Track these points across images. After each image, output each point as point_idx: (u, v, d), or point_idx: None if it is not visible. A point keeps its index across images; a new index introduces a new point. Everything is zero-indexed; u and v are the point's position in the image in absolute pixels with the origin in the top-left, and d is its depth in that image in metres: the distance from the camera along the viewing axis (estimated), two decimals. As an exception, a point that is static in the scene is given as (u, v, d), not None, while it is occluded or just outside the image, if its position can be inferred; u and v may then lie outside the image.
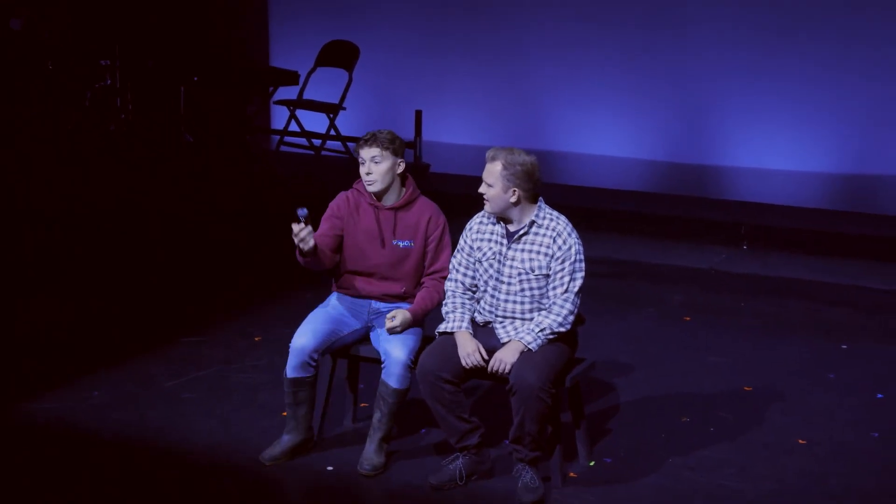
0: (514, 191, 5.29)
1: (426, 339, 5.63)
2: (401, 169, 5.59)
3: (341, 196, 5.69)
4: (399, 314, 5.51)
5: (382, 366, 5.51)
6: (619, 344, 7.26)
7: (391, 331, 5.49)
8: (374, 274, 5.63)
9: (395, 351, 5.46)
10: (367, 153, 5.54)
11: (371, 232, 5.60)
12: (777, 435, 6.00)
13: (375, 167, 5.53)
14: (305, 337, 5.55)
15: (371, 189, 5.56)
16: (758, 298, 8.23)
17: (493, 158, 5.33)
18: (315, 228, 5.48)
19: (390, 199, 5.60)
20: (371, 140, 5.55)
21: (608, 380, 6.64)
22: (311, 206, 5.57)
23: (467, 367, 5.29)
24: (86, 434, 5.93)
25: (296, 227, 5.38)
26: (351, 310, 5.68)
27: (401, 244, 5.59)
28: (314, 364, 5.56)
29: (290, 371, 5.57)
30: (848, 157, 10.96)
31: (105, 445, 5.83)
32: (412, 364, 5.46)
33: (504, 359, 5.24)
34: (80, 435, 5.92)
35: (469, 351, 5.29)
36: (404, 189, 5.62)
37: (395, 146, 5.56)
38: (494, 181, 5.30)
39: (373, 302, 5.67)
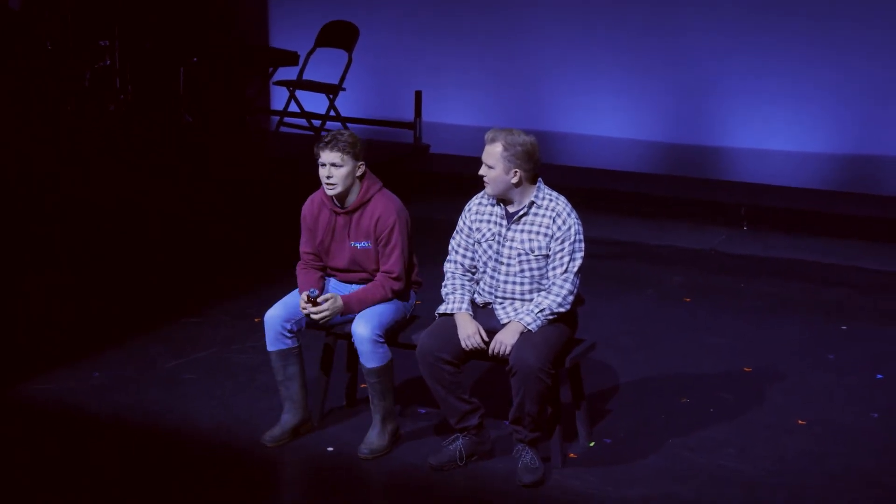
0: (516, 171, 5.28)
1: (417, 319, 5.65)
2: (360, 172, 5.50)
3: (307, 203, 5.66)
4: (329, 302, 5.47)
5: (355, 346, 5.52)
6: (619, 325, 7.26)
7: (317, 319, 5.47)
8: (343, 270, 5.65)
9: (359, 329, 5.45)
10: (327, 157, 5.44)
11: (330, 235, 5.59)
12: (777, 415, 6.01)
13: (336, 171, 5.43)
14: (276, 309, 5.57)
15: (331, 193, 5.48)
16: (758, 279, 8.23)
17: (493, 140, 5.31)
18: (316, 303, 5.48)
19: (350, 201, 5.54)
20: (332, 143, 5.43)
21: (608, 361, 6.65)
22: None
23: (467, 350, 5.29)
24: (86, 416, 5.94)
25: (302, 304, 5.45)
26: (335, 290, 5.69)
27: (359, 245, 5.56)
28: (291, 335, 5.55)
29: (269, 345, 5.58)
30: (848, 137, 10.94)
31: (105, 427, 5.84)
32: (380, 338, 5.44)
33: (504, 340, 5.24)
34: (80, 416, 5.93)
35: (469, 333, 5.29)
36: (360, 190, 5.54)
37: (356, 150, 5.46)
38: (495, 162, 5.29)
39: (354, 285, 5.68)
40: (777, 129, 11.14)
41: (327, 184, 5.46)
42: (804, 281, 8.21)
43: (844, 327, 7.29)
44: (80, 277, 7.91)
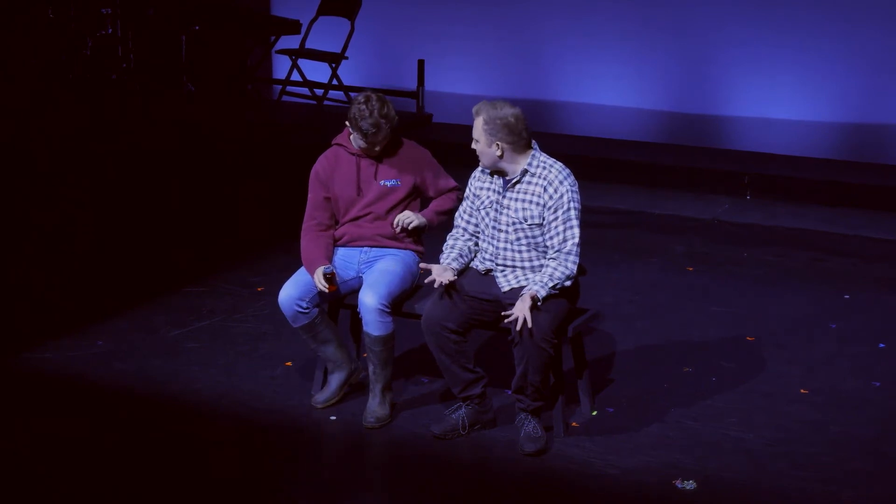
0: (497, 144, 5.28)
1: (418, 288, 5.65)
2: None
3: (320, 159, 5.69)
4: (409, 214, 5.59)
5: (360, 315, 5.52)
6: (622, 294, 7.26)
7: (404, 222, 5.57)
8: (363, 216, 5.64)
9: (366, 298, 5.46)
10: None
11: (354, 176, 5.60)
12: (779, 384, 6.02)
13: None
14: (287, 289, 5.57)
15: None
16: (760, 248, 8.22)
17: (477, 113, 5.33)
18: (332, 280, 5.49)
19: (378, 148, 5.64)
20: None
21: (610, 330, 6.65)
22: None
23: (437, 284, 5.27)
24: (90, 383, 5.96)
25: (320, 284, 5.44)
26: (342, 261, 5.67)
27: (388, 183, 5.60)
28: (306, 310, 5.56)
29: (291, 322, 5.60)
30: (852, 106, 10.90)
31: (108, 395, 5.86)
32: (387, 308, 5.46)
33: (524, 312, 5.15)
34: (83, 384, 5.95)
35: (442, 271, 5.28)
36: None
37: None
38: (479, 136, 5.32)
39: (363, 249, 5.66)
40: (781, 98, 11.11)
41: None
42: (807, 250, 8.20)
43: (847, 296, 7.29)
44: (84, 246, 7.91)
